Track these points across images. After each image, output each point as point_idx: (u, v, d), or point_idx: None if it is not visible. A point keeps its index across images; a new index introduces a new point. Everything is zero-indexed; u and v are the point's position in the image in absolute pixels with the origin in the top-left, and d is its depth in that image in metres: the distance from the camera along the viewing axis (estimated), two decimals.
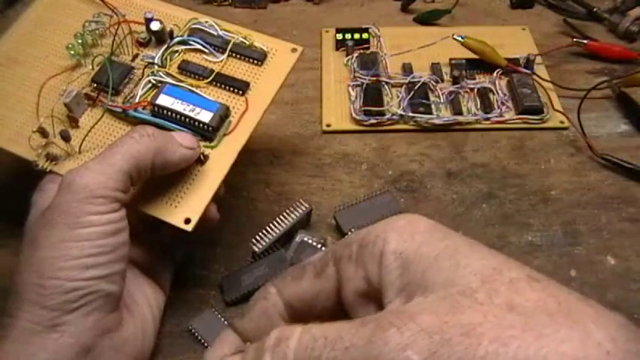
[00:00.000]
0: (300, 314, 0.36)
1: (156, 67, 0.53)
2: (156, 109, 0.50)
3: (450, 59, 0.72)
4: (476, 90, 0.70)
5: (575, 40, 0.76)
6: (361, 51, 0.74)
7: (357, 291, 0.33)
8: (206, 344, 0.50)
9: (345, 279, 0.34)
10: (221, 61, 0.54)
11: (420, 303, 0.29)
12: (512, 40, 0.76)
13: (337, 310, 0.35)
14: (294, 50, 0.54)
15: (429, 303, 0.28)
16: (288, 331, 0.31)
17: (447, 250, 0.30)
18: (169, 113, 0.49)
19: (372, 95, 0.69)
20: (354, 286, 0.33)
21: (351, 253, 0.33)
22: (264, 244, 0.54)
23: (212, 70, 0.53)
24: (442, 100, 0.69)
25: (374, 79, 0.70)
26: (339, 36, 0.76)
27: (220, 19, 0.56)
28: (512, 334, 0.25)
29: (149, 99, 0.51)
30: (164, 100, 0.50)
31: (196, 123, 0.49)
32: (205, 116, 0.49)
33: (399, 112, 0.67)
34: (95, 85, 0.53)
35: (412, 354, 0.26)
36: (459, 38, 0.71)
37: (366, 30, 0.76)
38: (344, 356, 0.27)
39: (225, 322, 0.51)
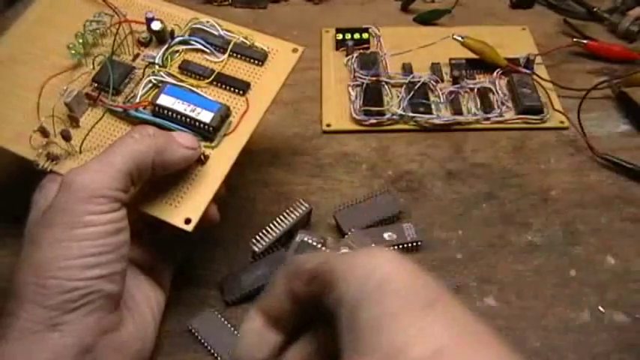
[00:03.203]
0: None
1: (157, 66, 0.53)
2: (156, 109, 0.50)
3: (450, 59, 0.72)
4: (476, 90, 0.70)
5: (575, 40, 0.76)
6: (361, 51, 0.74)
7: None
8: (206, 344, 0.50)
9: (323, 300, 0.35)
10: (222, 61, 0.54)
11: None
12: (512, 40, 0.77)
13: None
14: (295, 50, 0.54)
15: None
16: None
17: (376, 317, 0.31)
18: (170, 113, 0.49)
19: (372, 95, 0.69)
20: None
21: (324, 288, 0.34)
22: (264, 244, 0.54)
23: (213, 70, 0.53)
24: (442, 100, 0.69)
25: (374, 79, 0.70)
26: (339, 36, 0.76)
27: (220, 19, 0.56)
28: None
29: (150, 99, 0.51)
30: (165, 100, 0.50)
31: (197, 123, 0.49)
32: (206, 116, 0.49)
33: (399, 112, 0.67)
34: (96, 84, 0.53)
35: None
36: (459, 38, 0.71)
37: (366, 30, 0.76)
38: None
39: (225, 322, 0.51)
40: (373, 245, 0.52)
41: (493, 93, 0.69)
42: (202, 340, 0.50)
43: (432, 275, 0.34)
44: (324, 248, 0.52)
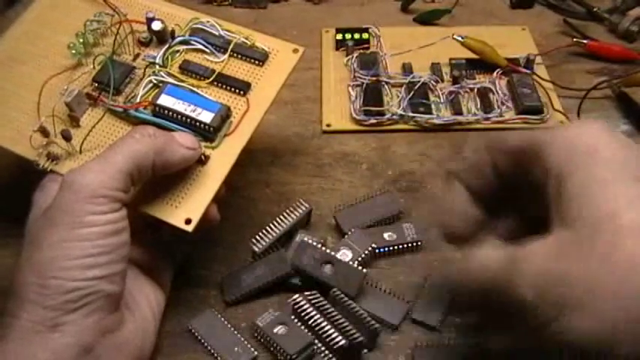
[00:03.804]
0: None
1: (157, 66, 0.53)
2: (157, 109, 0.50)
3: (450, 59, 0.72)
4: (476, 90, 0.70)
5: (575, 40, 0.76)
6: (361, 51, 0.74)
7: None
8: (206, 344, 0.50)
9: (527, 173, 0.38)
10: (222, 61, 0.54)
11: (544, 243, 0.34)
12: (512, 40, 0.77)
13: None
14: (295, 51, 0.54)
15: (550, 245, 0.34)
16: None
17: (586, 185, 0.33)
18: (170, 113, 0.49)
19: (372, 95, 0.69)
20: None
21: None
22: (264, 244, 0.54)
23: (213, 71, 0.53)
24: (442, 100, 0.69)
25: (374, 79, 0.70)
26: (339, 36, 0.76)
27: (220, 19, 0.56)
28: (598, 289, 0.31)
29: (150, 99, 0.51)
30: (165, 100, 0.50)
31: (197, 123, 0.49)
32: (206, 117, 0.49)
33: (399, 112, 0.67)
34: (96, 84, 0.53)
35: (524, 291, 0.33)
36: (459, 38, 0.71)
37: (366, 30, 0.76)
38: (489, 277, 0.37)
39: (225, 322, 0.51)
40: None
41: (493, 93, 0.69)
42: (202, 340, 0.50)
43: None
44: (324, 248, 0.52)
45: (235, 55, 0.54)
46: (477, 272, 0.38)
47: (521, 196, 0.41)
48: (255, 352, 0.49)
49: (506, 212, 0.44)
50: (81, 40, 0.54)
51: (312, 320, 0.49)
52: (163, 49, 0.54)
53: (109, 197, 0.42)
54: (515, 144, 0.39)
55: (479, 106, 0.68)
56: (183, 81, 0.52)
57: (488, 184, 0.42)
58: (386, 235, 0.56)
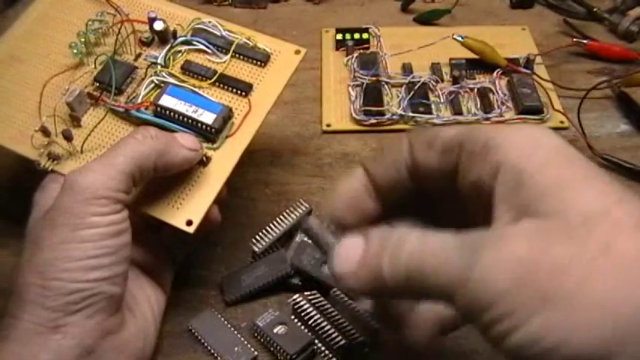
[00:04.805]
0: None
1: (159, 67, 0.53)
2: (158, 109, 0.50)
3: (450, 59, 0.72)
4: (476, 90, 0.70)
5: (575, 40, 0.76)
6: (361, 51, 0.74)
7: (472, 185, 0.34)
8: (206, 344, 0.50)
9: (465, 170, 0.34)
10: (224, 61, 0.54)
11: (520, 228, 0.30)
12: (512, 40, 0.77)
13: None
14: (297, 52, 0.54)
15: (528, 230, 0.29)
16: (406, 236, 0.32)
17: (563, 180, 0.30)
18: (172, 114, 0.49)
19: (372, 95, 0.69)
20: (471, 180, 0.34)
21: (473, 151, 0.33)
22: (264, 244, 0.54)
23: (215, 71, 0.53)
24: (442, 100, 0.69)
25: (374, 79, 0.70)
26: (339, 36, 0.76)
27: (221, 19, 0.56)
28: (597, 277, 0.27)
29: (152, 99, 0.51)
30: (167, 101, 0.50)
31: (199, 124, 0.49)
32: (208, 118, 0.49)
33: (399, 112, 0.67)
34: (98, 84, 0.53)
35: (500, 279, 0.28)
36: (459, 38, 0.71)
37: (366, 30, 0.76)
38: (442, 275, 0.30)
39: (225, 322, 0.51)
40: None
41: (493, 93, 0.69)
42: (202, 340, 0.50)
43: None
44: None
45: (237, 55, 0.54)
46: (431, 264, 0.31)
47: (433, 200, 0.38)
48: (255, 352, 0.49)
49: (402, 216, 0.38)
50: (82, 40, 0.54)
51: (312, 320, 0.49)
52: (165, 49, 0.54)
53: (110, 198, 0.42)
54: (453, 138, 0.35)
55: (479, 106, 0.68)
56: (184, 81, 0.52)
57: (399, 182, 0.37)
58: None
